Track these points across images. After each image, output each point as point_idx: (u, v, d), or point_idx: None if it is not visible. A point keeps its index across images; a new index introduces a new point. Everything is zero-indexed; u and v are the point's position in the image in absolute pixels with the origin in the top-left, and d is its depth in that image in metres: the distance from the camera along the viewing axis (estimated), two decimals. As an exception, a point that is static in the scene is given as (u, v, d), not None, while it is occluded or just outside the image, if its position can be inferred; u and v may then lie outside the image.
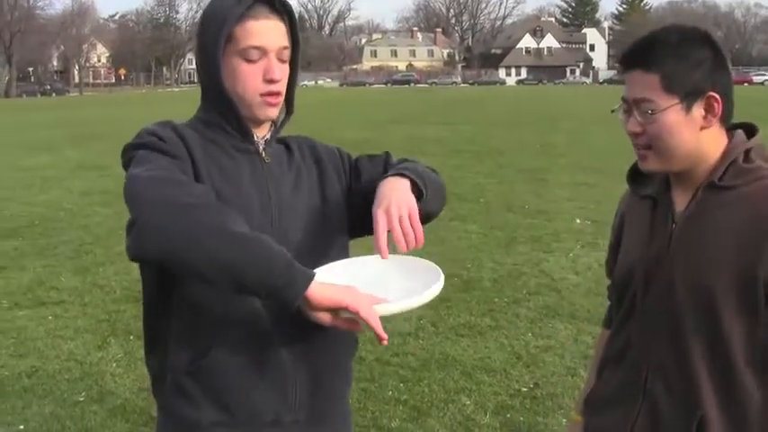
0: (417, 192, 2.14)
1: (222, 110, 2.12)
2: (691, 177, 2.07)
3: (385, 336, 1.87)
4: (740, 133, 2.10)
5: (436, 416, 5.14)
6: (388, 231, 2.00)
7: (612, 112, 2.15)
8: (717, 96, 2.00)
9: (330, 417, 2.27)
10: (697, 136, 2.02)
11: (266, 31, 2.07)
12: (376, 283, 2.01)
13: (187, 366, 2.13)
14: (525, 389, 5.50)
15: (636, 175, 2.23)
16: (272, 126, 2.22)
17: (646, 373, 2.11)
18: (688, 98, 1.99)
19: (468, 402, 5.32)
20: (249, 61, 2.07)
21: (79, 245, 10.24)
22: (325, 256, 2.12)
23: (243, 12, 2.05)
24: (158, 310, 2.17)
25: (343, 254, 2.25)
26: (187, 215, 1.80)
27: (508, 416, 5.11)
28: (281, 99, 2.15)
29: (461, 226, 10.96)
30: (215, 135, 2.14)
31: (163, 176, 1.91)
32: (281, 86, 2.12)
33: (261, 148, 2.17)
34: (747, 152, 2.05)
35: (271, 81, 2.08)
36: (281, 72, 2.10)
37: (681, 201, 2.10)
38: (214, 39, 2.07)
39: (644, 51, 2.04)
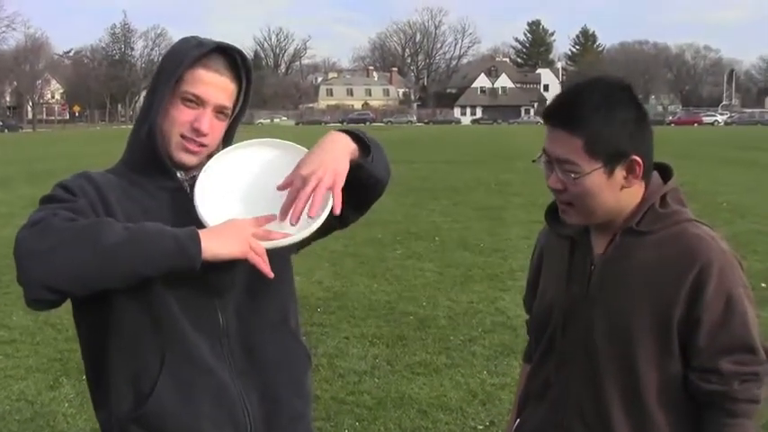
0: (363, 148, 2.13)
1: (145, 149, 2.14)
2: (609, 225, 2.11)
3: (269, 272, 1.98)
4: (656, 177, 2.14)
5: (392, 455, 5.11)
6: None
7: (534, 162, 2.15)
8: (638, 159, 2.03)
9: None
10: (617, 195, 2.06)
11: (210, 85, 2.10)
12: (268, 173, 2.11)
13: (132, 413, 2.12)
14: (481, 426, 5.50)
15: (555, 213, 2.24)
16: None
17: (564, 412, 2.15)
18: (611, 162, 2.01)
19: (425, 441, 5.30)
20: (185, 105, 2.10)
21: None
22: (261, 278, 2.08)
23: (199, 56, 2.08)
24: (97, 355, 2.15)
25: (286, 271, 2.27)
26: (67, 246, 1.86)
27: (464, 454, 5.10)
28: (204, 151, 2.15)
29: (417, 264, 10.99)
30: (138, 177, 2.17)
31: (41, 226, 1.92)
32: (208, 140, 2.14)
33: (187, 184, 2.18)
34: (663, 197, 2.10)
35: (196, 131, 2.10)
36: (211, 127, 2.12)
37: (599, 244, 2.14)
38: (167, 76, 2.10)
39: (569, 111, 2.03)
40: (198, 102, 2.10)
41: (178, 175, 2.18)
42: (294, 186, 2.00)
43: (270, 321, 2.22)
